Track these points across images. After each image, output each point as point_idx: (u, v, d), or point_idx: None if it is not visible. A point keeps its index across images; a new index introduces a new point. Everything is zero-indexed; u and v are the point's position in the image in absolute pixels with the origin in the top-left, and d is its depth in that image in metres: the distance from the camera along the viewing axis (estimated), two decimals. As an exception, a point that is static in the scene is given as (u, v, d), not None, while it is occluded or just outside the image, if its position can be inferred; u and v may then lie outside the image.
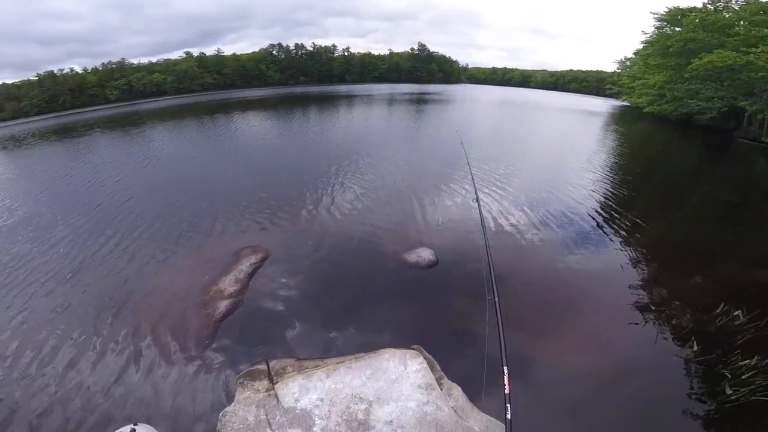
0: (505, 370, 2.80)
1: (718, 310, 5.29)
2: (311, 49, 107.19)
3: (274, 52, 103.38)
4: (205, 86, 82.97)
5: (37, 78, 66.34)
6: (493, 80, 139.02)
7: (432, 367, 4.41)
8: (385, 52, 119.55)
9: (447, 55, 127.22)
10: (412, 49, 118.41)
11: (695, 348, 4.60)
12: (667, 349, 4.85)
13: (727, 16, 32.11)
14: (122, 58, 79.83)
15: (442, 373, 4.34)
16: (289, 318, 5.53)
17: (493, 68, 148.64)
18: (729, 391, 4.08)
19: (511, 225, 8.38)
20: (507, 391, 2.69)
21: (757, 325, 5.02)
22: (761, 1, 29.14)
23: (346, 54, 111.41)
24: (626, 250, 7.54)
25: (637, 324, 5.29)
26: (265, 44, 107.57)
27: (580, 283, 6.46)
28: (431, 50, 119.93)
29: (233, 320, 5.54)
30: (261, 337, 5.20)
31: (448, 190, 10.43)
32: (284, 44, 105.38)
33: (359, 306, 5.73)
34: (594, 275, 6.69)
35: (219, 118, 29.02)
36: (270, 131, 20.83)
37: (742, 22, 29.94)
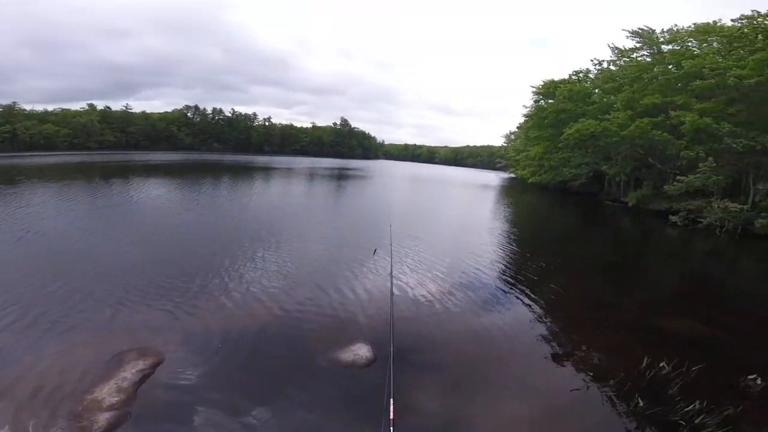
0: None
1: (643, 364, 5.51)
2: (230, 115, 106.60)
3: (189, 114, 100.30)
4: (105, 144, 75.19)
5: None
6: (405, 156, 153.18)
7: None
8: (308, 125, 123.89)
9: (367, 132, 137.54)
10: (335, 124, 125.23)
11: (641, 403, 4.65)
12: (614, 408, 4.80)
13: (587, 85, 39.11)
14: (13, 102, 69.67)
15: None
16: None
17: (405, 145, 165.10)
18: None
19: (428, 295, 8.26)
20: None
21: (681, 372, 5.27)
22: (611, 69, 35.95)
23: (267, 124, 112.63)
24: (533, 309, 7.94)
25: (578, 389, 5.17)
26: (181, 104, 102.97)
27: (499, 342, 6.53)
28: (353, 126, 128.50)
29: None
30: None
31: (369, 270, 9.81)
32: (201, 107, 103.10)
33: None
34: (512, 334, 6.84)
35: (116, 183, 25.57)
36: (177, 203, 18.18)
37: (597, 91, 37.10)
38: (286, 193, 25.83)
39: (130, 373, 4.98)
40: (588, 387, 5.06)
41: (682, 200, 22.34)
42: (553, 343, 6.46)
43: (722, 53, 22.13)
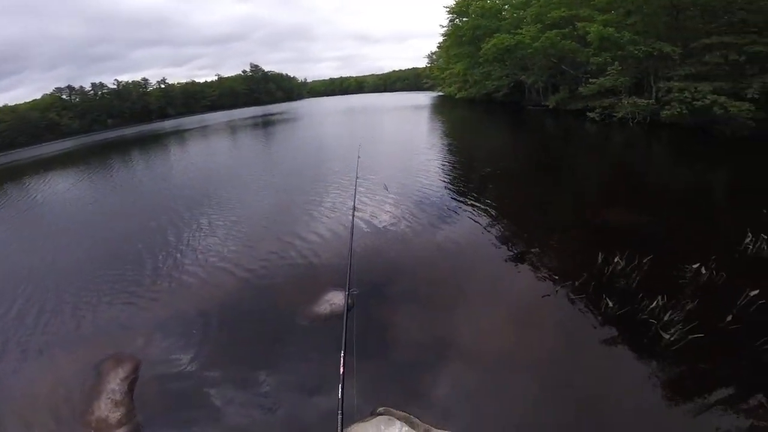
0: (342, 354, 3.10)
1: (599, 261, 5.41)
2: (114, 86, 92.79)
3: (65, 96, 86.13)
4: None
5: None
6: (332, 91, 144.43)
7: (414, 425, 3.51)
8: (213, 78, 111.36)
9: (285, 73, 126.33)
10: (245, 72, 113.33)
11: (610, 304, 4.59)
12: (588, 311, 4.82)
13: (497, 2, 38.69)
14: None
15: (428, 426, 3.56)
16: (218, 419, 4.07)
17: (331, 79, 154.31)
18: (666, 336, 4.09)
19: (388, 222, 8.17)
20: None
21: (636, 265, 5.27)
22: None
23: (163, 86, 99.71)
24: (484, 218, 8.05)
25: (548, 295, 5.17)
26: (50, 88, 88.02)
27: (462, 254, 6.66)
28: (266, 70, 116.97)
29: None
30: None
31: (326, 209, 9.45)
32: (77, 86, 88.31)
33: (287, 389, 4.43)
34: (471, 245, 6.95)
35: (9, 188, 21.81)
36: (91, 192, 16.07)
37: (507, 7, 37.28)
38: (209, 151, 23.92)
39: (116, 384, 4.74)
40: (557, 291, 5.16)
41: (596, 99, 24.22)
42: (512, 248, 6.61)
43: None
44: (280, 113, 57.07)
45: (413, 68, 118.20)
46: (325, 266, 6.68)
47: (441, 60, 59.30)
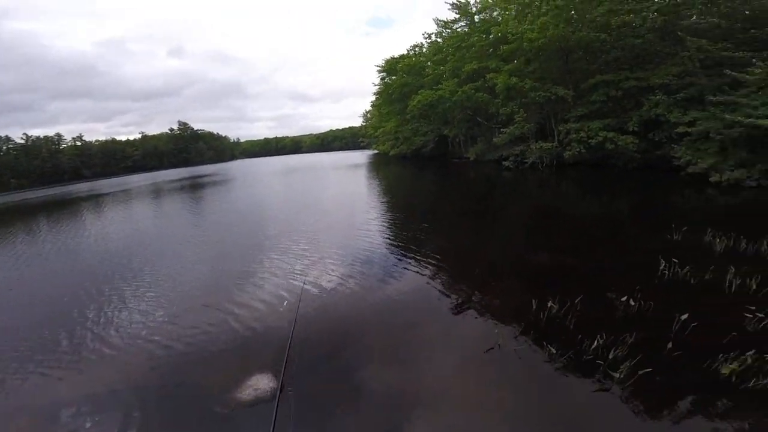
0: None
1: (534, 308, 5.52)
2: (23, 141, 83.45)
3: None
4: None
5: None
6: (267, 151, 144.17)
7: None
8: (137, 135, 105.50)
9: (216, 132, 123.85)
10: (172, 130, 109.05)
11: (552, 350, 4.61)
12: (534, 362, 4.70)
13: (422, 59, 42.38)
14: None
15: None
16: None
17: (266, 139, 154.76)
18: (616, 375, 4.11)
19: (331, 285, 7.64)
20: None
21: (569, 307, 5.39)
22: (438, 42, 39.68)
23: (80, 143, 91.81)
24: (426, 270, 7.98)
25: (492, 348, 5.02)
26: None
27: (407, 311, 6.41)
28: (196, 128, 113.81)
29: None
30: None
31: (267, 275, 8.50)
32: None
33: None
34: (414, 300, 6.77)
35: None
36: None
37: (429, 63, 40.50)
38: (130, 218, 20.60)
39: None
40: (499, 344, 4.99)
41: (509, 148, 26.31)
42: (454, 299, 6.45)
43: (518, 19, 26.02)
44: (210, 175, 54.08)
45: (350, 127, 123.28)
46: (260, 340, 5.86)
47: (374, 118, 62.34)
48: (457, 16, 35.21)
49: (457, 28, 36.03)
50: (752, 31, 15.86)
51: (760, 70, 13.82)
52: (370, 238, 10.75)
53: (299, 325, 5.77)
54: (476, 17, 33.74)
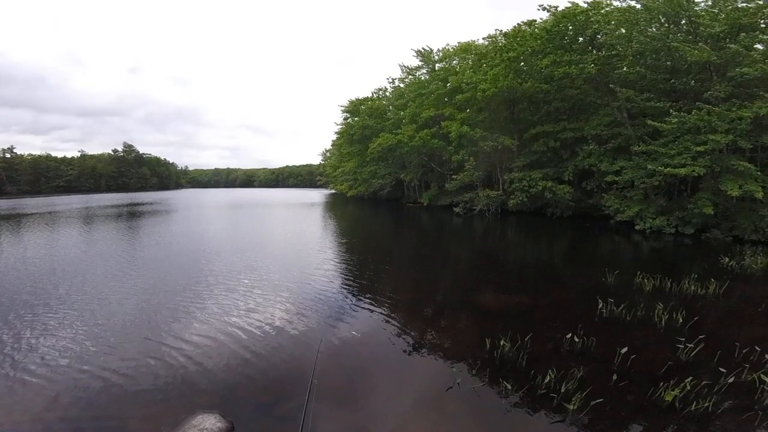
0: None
1: (488, 347, 5.68)
2: None
3: None
4: None
5: None
6: (217, 182, 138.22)
7: None
8: (75, 153, 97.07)
9: (162, 158, 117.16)
10: (115, 151, 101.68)
11: (508, 386, 4.78)
12: (490, 399, 4.72)
13: (384, 103, 43.74)
14: None
15: None
16: None
17: (216, 169, 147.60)
18: (570, 406, 4.28)
19: (281, 323, 7.09)
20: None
21: (520, 345, 5.64)
22: (401, 87, 41.46)
23: (9, 156, 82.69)
24: (381, 310, 7.76)
25: (451, 387, 4.96)
26: None
27: (361, 352, 6.11)
28: (141, 152, 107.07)
29: None
30: None
31: (204, 314, 7.58)
32: None
33: None
34: (369, 342, 6.45)
35: None
36: None
37: (390, 107, 42.22)
38: (55, 243, 17.74)
39: None
40: (458, 382, 4.98)
41: (459, 194, 27.47)
42: (410, 339, 6.34)
43: (474, 69, 28.22)
44: (153, 202, 49.97)
45: (307, 164, 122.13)
46: (202, 378, 5.25)
47: (334, 158, 62.41)
48: (420, 63, 37.64)
49: (419, 75, 38.31)
50: (672, 81, 17.89)
51: (676, 120, 15.43)
52: (324, 278, 10.37)
53: (240, 365, 5.42)
54: (437, 65, 36.10)
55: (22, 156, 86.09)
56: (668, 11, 16.60)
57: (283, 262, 12.88)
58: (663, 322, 6.43)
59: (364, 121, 42.01)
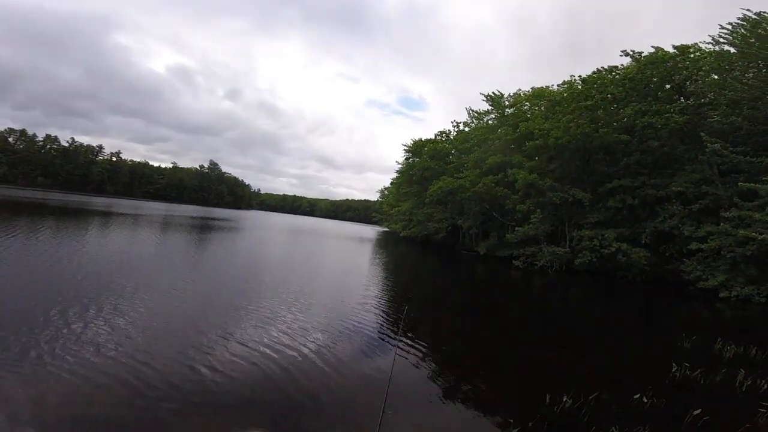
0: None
1: (547, 401, 5.44)
2: (67, 145, 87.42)
3: (10, 139, 79.74)
4: None
5: None
6: (283, 207, 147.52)
7: None
8: (168, 164, 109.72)
9: (240, 178, 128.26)
10: (201, 167, 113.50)
11: None
12: None
13: (447, 146, 43.44)
14: None
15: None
16: None
17: (284, 195, 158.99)
18: None
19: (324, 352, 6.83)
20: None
21: (583, 402, 5.40)
22: (466, 131, 40.99)
23: (115, 159, 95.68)
24: (419, 352, 7.38)
25: None
26: (5, 126, 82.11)
27: (399, 389, 5.65)
28: (223, 170, 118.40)
29: None
30: None
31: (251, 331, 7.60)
32: (31, 132, 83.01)
33: None
34: (407, 381, 6.05)
35: None
36: None
37: (453, 151, 41.76)
38: (137, 243, 19.60)
39: None
40: None
41: (520, 247, 25.88)
42: (453, 386, 6.00)
43: (547, 116, 27.20)
44: (224, 219, 53.68)
45: (365, 200, 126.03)
46: (247, 399, 5.07)
47: (391, 196, 63.23)
48: (489, 107, 37.07)
49: (487, 120, 37.84)
50: None
51: None
52: (364, 315, 10.03)
53: (272, 390, 5.22)
54: (507, 110, 35.09)
55: (125, 161, 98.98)
56: (767, 56, 15.04)
57: (331, 291, 12.80)
58: (744, 388, 6.10)
59: (425, 163, 42.09)
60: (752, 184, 14.31)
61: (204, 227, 36.37)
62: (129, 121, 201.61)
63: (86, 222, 26.48)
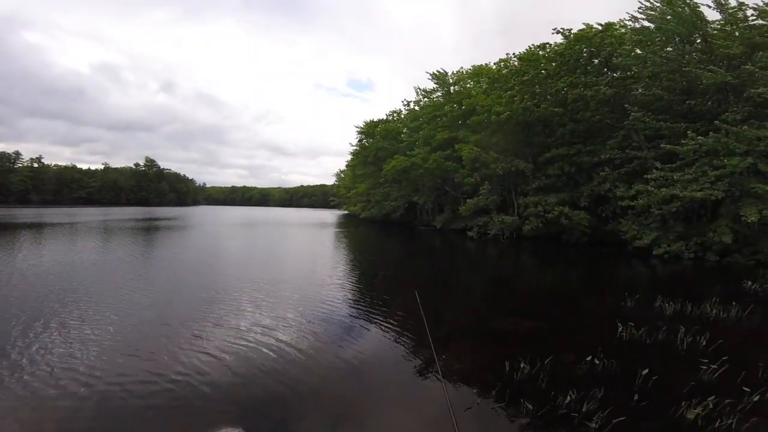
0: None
1: (507, 369, 5.66)
2: None
3: None
4: None
5: None
6: (233, 200, 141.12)
7: None
8: (99, 166, 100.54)
9: (182, 174, 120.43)
10: (137, 165, 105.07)
11: (529, 407, 4.73)
12: (511, 419, 4.70)
13: (398, 125, 44.04)
14: None
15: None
16: None
17: (233, 187, 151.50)
18: (592, 425, 4.30)
19: (290, 339, 6.99)
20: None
21: (540, 367, 5.61)
22: (416, 109, 41.66)
23: (36, 165, 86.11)
24: (388, 330, 7.74)
25: (470, 408, 4.94)
26: None
27: (369, 371, 6.09)
28: (163, 167, 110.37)
29: None
30: None
31: (214, 327, 7.62)
32: None
33: None
34: (378, 361, 6.44)
35: None
36: None
37: (405, 130, 42.40)
38: (77, 250, 18.05)
39: None
40: (478, 404, 4.97)
41: (473, 218, 27.40)
42: (422, 360, 6.30)
43: (488, 92, 28.52)
44: (167, 218, 49.68)
45: (321, 185, 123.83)
46: (223, 393, 5.18)
47: (348, 179, 62.97)
48: (436, 85, 38.32)
49: (434, 98, 38.86)
50: (688, 102, 17.47)
51: (693, 142, 15.14)
52: (330, 294, 10.43)
53: (248, 383, 5.30)
54: (452, 88, 36.65)
55: (49, 166, 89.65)
56: (682, 31, 16.60)
57: (292, 281, 12.67)
58: (685, 345, 6.43)
59: (379, 143, 42.52)
60: (673, 146, 15.95)
61: (148, 228, 34.13)
62: (49, 123, 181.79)
63: (15, 236, 23.93)
